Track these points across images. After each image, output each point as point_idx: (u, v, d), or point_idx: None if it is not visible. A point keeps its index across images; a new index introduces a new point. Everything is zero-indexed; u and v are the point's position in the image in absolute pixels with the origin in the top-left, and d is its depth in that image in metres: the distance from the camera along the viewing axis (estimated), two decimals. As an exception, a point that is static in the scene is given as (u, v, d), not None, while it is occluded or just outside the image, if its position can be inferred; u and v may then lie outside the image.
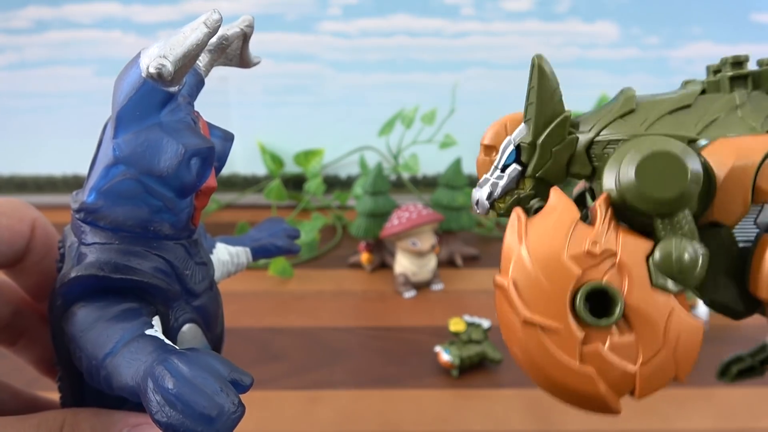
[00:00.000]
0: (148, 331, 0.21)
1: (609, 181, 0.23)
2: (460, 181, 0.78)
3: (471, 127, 0.87)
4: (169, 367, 0.19)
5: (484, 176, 0.27)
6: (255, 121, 0.93)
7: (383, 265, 0.77)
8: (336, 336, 0.63)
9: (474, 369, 0.57)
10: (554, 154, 0.25)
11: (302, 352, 0.61)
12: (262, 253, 0.33)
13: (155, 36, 0.87)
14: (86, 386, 0.22)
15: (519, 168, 0.26)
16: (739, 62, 0.24)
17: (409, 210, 0.71)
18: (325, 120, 0.93)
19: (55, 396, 0.26)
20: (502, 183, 0.26)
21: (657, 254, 0.22)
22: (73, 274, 0.22)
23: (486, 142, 0.27)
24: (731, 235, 0.24)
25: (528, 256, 0.22)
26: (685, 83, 0.26)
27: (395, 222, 0.70)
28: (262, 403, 0.54)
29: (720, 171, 0.22)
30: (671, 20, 0.88)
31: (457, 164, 0.77)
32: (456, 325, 0.58)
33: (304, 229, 0.79)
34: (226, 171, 0.95)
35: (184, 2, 0.86)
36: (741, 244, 0.24)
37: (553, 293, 0.22)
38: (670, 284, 0.22)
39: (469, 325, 0.58)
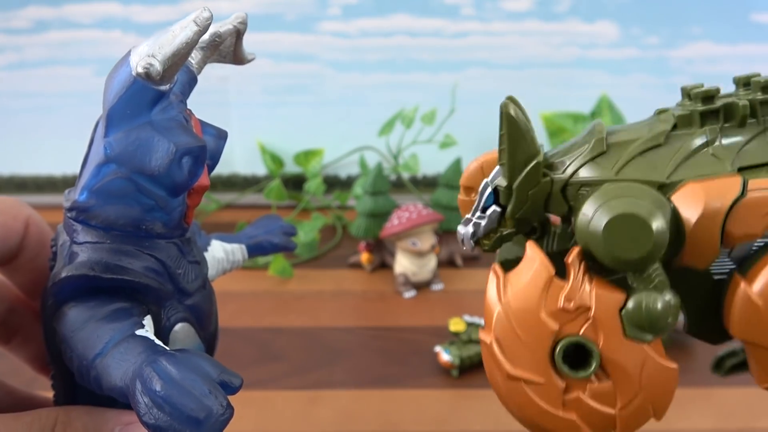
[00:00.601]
0: (139, 332, 0.21)
1: (580, 236, 0.23)
2: (459, 181, 0.78)
3: (471, 127, 0.87)
4: (157, 369, 0.19)
5: (467, 216, 0.27)
6: (255, 121, 0.93)
7: (383, 265, 0.77)
8: (336, 336, 0.63)
9: (474, 369, 0.57)
10: (530, 196, 0.25)
11: (302, 352, 0.61)
12: (258, 250, 0.33)
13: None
14: (78, 385, 0.23)
15: (498, 209, 0.26)
16: (709, 96, 0.24)
17: (409, 210, 0.71)
18: (325, 120, 0.93)
19: (51, 394, 0.26)
20: (483, 223, 0.27)
21: (628, 306, 0.23)
22: (64, 274, 0.22)
23: (463, 183, 0.28)
24: (706, 272, 0.25)
25: (507, 314, 0.24)
26: (659, 112, 0.26)
27: (395, 222, 0.70)
28: (261, 403, 0.54)
29: (689, 216, 0.23)
30: (671, 20, 0.88)
31: (457, 164, 0.77)
32: (456, 325, 0.58)
33: (304, 229, 0.79)
34: (225, 171, 0.96)
35: (184, 2, 0.86)
36: (716, 277, 0.25)
37: (533, 348, 0.23)
38: (642, 334, 0.23)
39: (469, 325, 0.58)
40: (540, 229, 0.27)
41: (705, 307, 0.25)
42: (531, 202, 0.25)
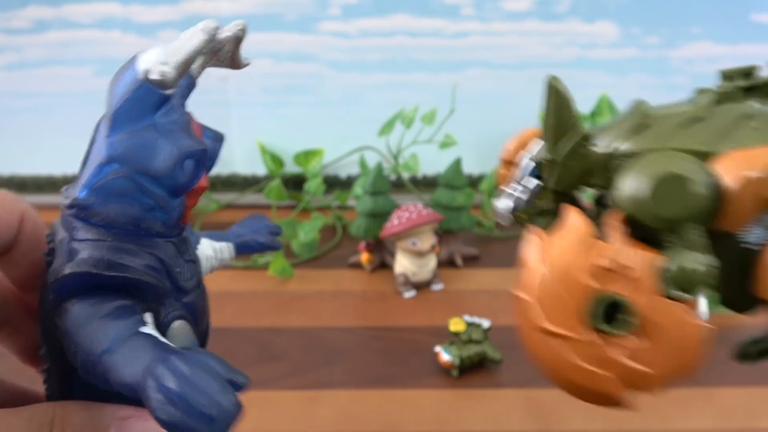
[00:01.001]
0: (143, 329, 0.22)
1: (622, 198, 0.24)
2: (460, 181, 0.78)
3: (471, 127, 0.87)
4: (170, 367, 0.19)
5: (506, 189, 0.28)
6: (255, 121, 0.93)
7: (383, 265, 0.77)
8: (336, 336, 0.63)
9: (474, 369, 0.57)
10: (573, 169, 0.26)
11: (302, 352, 0.61)
12: (244, 248, 0.33)
13: (155, 36, 0.87)
14: (75, 380, 0.23)
15: (539, 183, 0.27)
16: (749, 72, 0.25)
17: (409, 210, 0.71)
18: (325, 120, 0.93)
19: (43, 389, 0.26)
20: (524, 197, 0.28)
21: (669, 267, 0.24)
22: (67, 271, 0.22)
23: (504, 156, 0.29)
24: (738, 239, 0.26)
25: (547, 271, 0.25)
26: (700, 91, 0.27)
27: (395, 222, 0.70)
28: (261, 403, 0.54)
29: (728, 182, 0.24)
30: (671, 20, 0.88)
31: (457, 164, 0.77)
32: (456, 325, 0.58)
33: (303, 230, 0.79)
34: (225, 171, 0.96)
35: (184, 2, 0.86)
36: (746, 245, 0.26)
37: (573, 306, 0.24)
38: (681, 294, 0.23)
39: (469, 325, 0.58)
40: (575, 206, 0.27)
41: (735, 274, 0.26)
42: (572, 175, 0.27)
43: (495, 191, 0.33)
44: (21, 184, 0.95)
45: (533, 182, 0.28)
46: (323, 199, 0.91)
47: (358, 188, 0.84)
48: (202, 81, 0.26)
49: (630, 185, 0.24)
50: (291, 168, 0.93)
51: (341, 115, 0.92)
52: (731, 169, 0.24)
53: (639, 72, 0.90)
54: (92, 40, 0.88)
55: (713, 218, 0.24)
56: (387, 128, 0.85)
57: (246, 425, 0.53)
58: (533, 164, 0.28)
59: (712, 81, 0.26)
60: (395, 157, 0.87)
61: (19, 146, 0.94)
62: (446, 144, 0.82)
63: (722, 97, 0.26)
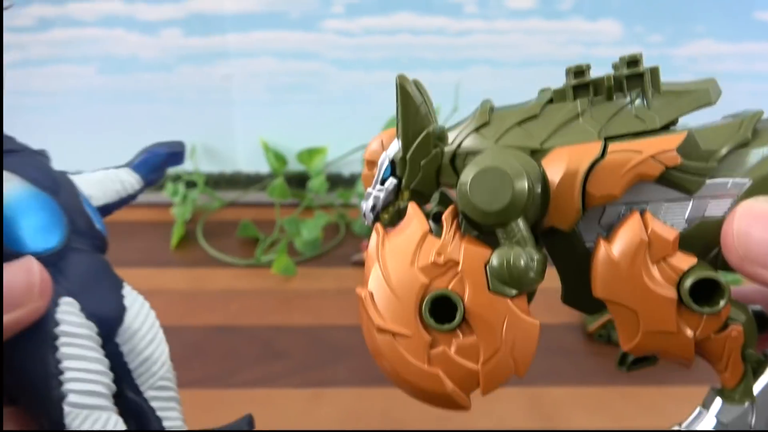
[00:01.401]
0: None
1: (457, 196, 0.25)
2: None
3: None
4: None
5: (368, 190, 0.29)
6: (258, 119, 0.93)
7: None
8: (339, 334, 0.63)
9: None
10: (422, 167, 0.27)
11: (305, 350, 0.61)
12: (144, 167, 0.33)
13: (158, 34, 0.87)
14: None
15: (395, 181, 0.28)
16: (581, 71, 0.26)
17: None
18: (328, 118, 0.93)
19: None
20: (382, 196, 0.28)
21: (492, 261, 0.24)
22: None
23: (366, 157, 0.29)
24: (577, 238, 0.26)
25: (382, 269, 0.25)
26: (541, 92, 0.28)
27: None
28: (265, 402, 0.54)
29: (554, 178, 0.25)
30: (674, 18, 0.87)
31: None
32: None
33: (307, 227, 0.79)
34: (229, 169, 0.96)
35: (188, 0, 0.86)
36: (588, 245, 0.26)
37: (404, 302, 0.25)
38: (506, 289, 0.24)
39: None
40: (441, 203, 0.28)
41: (579, 276, 0.26)
42: (423, 173, 0.27)
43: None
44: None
45: (390, 180, 0.28)
46: (326, 197, 0.91)
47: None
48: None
49: (461, 181, 0.24)
50: (294, 166, 0.93)
51: (345, 113, 0.92)
52: (556, 164, 0.25)
53: (642, 70, 0.90)
54: (96, 38, 0.88)
55: (542, 215, 0.25)
56: (389, 127, 0.85)
57: (249, 423, 0.53)
58: (389, 163, 0.28)
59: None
60: None
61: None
62: None
63: (556, 95, 0.26)
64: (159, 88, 0.91)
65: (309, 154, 0.91)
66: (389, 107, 0.94)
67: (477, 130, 0.27)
